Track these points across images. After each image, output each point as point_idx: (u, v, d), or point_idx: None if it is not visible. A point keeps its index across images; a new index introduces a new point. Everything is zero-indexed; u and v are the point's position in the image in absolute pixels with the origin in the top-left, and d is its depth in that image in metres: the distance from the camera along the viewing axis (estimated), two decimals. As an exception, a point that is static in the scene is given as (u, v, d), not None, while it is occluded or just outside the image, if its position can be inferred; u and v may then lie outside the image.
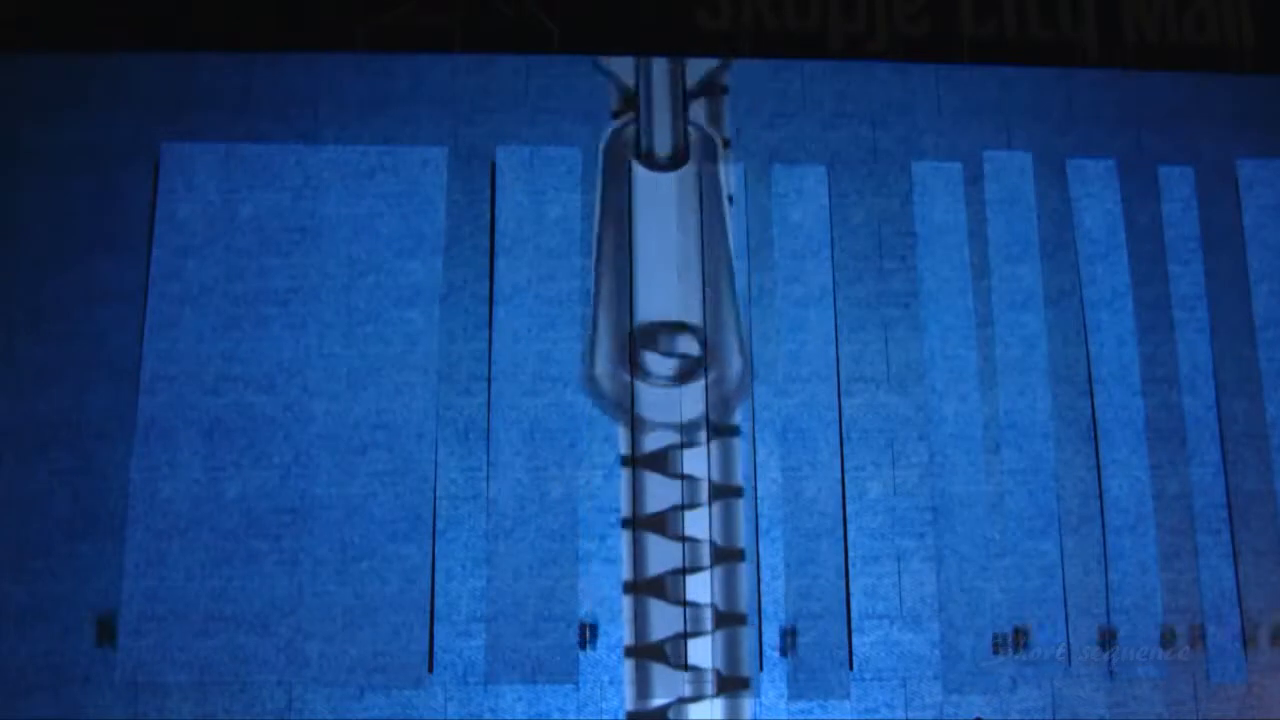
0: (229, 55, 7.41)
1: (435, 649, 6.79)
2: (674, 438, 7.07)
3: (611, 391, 7.11)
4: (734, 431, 7.11)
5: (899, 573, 7.02)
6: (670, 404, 7.12)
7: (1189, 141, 7.69)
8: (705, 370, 7.04)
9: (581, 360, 7.12)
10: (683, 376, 7.10)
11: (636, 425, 7.07)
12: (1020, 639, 6.96)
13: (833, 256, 7.39)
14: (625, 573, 6.92)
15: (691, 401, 7.11)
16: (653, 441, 7.06)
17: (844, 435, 7.18)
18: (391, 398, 7.08)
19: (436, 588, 6.86)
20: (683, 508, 7.00)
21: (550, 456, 7.05)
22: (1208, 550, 7.17)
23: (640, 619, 6.87)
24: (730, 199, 7.38)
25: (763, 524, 7.01)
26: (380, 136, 7.37)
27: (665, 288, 7.20)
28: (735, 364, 7.15)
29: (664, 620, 6.87)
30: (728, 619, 6.89)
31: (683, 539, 6.96)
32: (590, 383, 7.12)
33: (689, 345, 7.13)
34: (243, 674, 6.70)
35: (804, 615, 6.94)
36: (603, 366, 7.13)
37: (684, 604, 6.88)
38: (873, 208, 7.48)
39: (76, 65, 7.33)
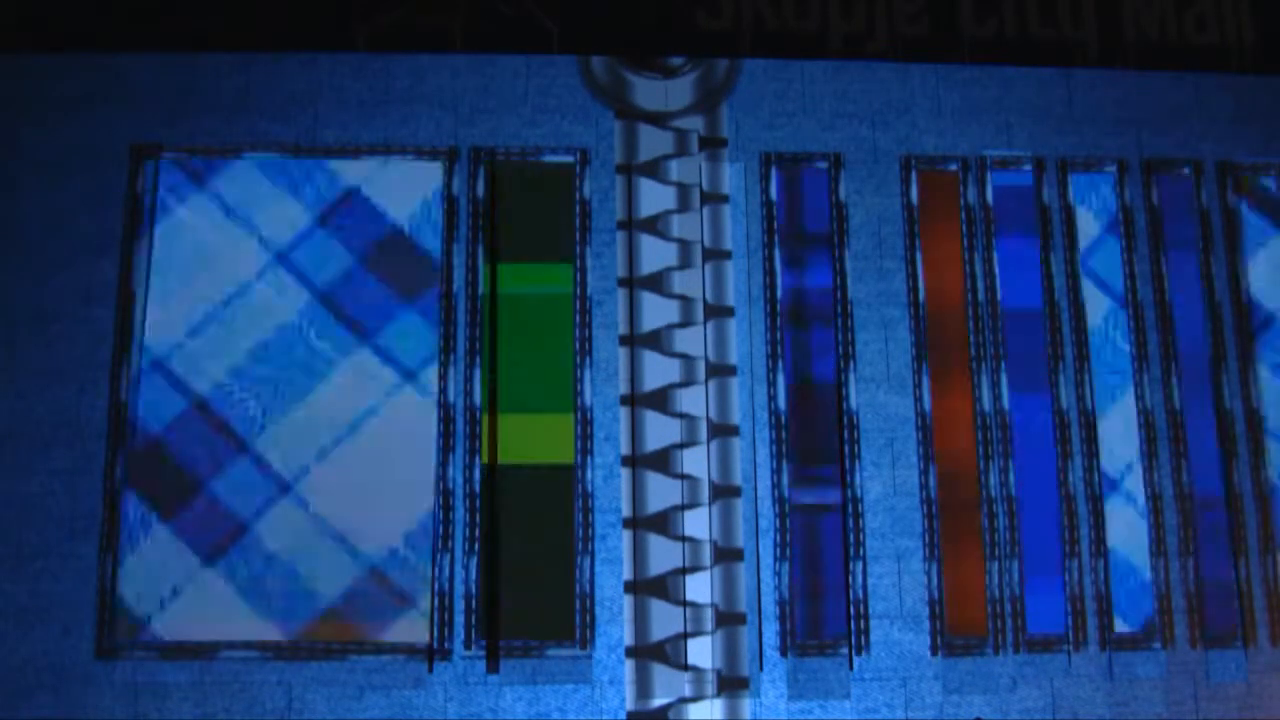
0: (228, 55, 7.41)
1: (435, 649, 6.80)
2: (674, 436, 7.08)
3: (605, 79, 7.27)
4: (734, 431, 7.12)
5: (899, 573, 7.02)
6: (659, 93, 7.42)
7: (1189, 141, 7.70)
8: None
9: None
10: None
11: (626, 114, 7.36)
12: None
13: (833, 256, 7.40)
14: (625, 573, 6.92)
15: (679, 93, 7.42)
16: (653, 438, 7.07)
17: (844, 435, 7.18)
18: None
19: (436, 588, 6.86)
20: (683, 507, 7.00)
21: (550, 456, 7.05)
22: (1208, 550, 7.17)
23: (640, 619, 6.87)
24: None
25: (761, 524, 7.02)
26: (380, 136, 7.38)
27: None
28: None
29: (664, 620, 6.88)
30: (727, 619, 6.89)
31: (683, 539, 6.96)
32: (585, 74, 7.31)
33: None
34: (243, 674, 6.70)
35: (804, 615, 6.96)
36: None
37: (684, 604, 6.89)
38: (872, 208, 7.48)
39: (76, 65, 7.33)
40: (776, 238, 7.39)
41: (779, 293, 7.31)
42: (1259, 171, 7.69)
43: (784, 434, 7.14)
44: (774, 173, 7.47)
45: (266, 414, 7.00)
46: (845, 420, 7.19)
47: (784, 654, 6.89)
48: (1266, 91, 7.79)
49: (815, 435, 7.17)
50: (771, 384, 7.21)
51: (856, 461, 7.14)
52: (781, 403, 7.17)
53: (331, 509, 6.90)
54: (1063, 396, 7.29)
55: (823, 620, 6.94)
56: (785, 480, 7.08)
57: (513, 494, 6.97)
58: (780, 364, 7.26)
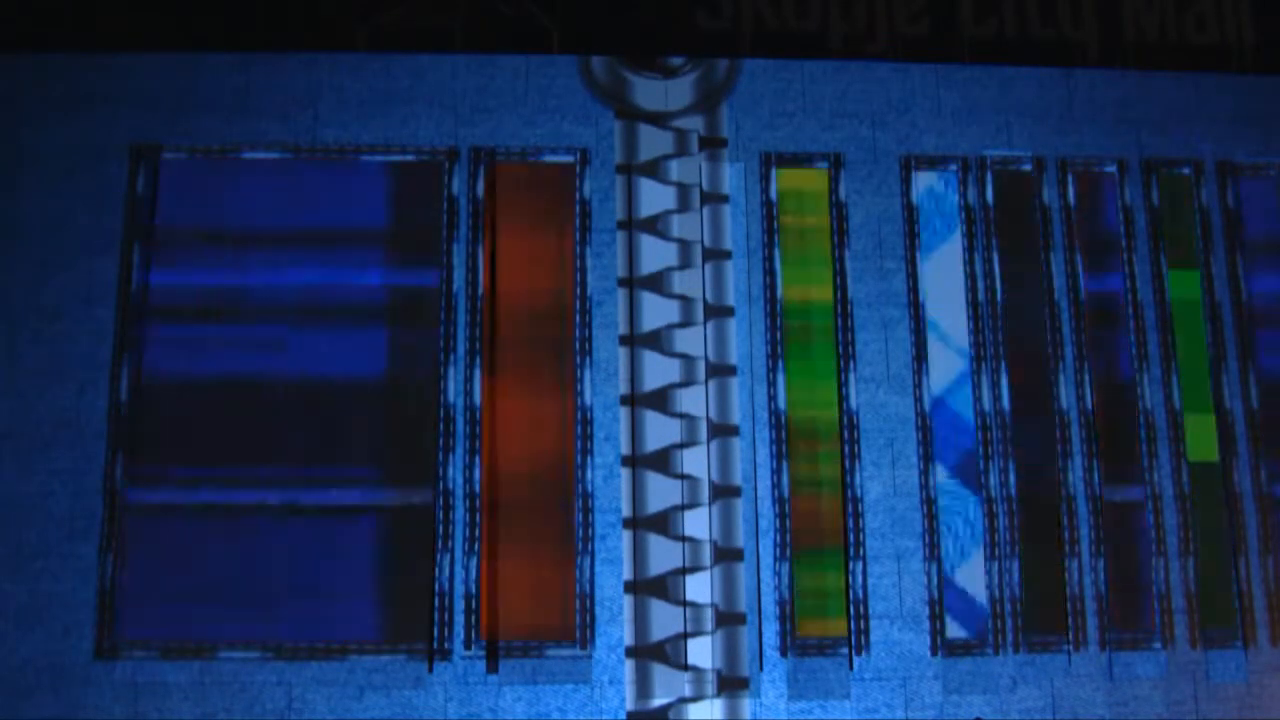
0: (228, 55, 7.41)
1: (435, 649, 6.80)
2: (674, 436, 7.08)
3: (605, 79, 7.31)
4: (733, 431, 7.12)
5: (899, 573, 7.02)
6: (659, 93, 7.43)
7: (1189, 141, 7.70)
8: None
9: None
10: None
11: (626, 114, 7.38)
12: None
13: (834, 256, 7.40)
14: (625, 573, 6.92)
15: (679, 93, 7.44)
16: (653, 438, 7.07)
17: (844, 435, 7.18)
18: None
19: (436, 588, 6.86)
20: (683, 507, 7.00)
21: (550, 456, 7.05)
22: (1207, 550, 7.17)
23: (640, 619, 6.87)
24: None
25: (761, 524, 7.02)
26: (380, 137, 7.37)
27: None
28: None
29: (664, 620, 6.88)
30: (727, 619, 6.89)
31: (683, 539, 6.96)
32: (585, 74, 7.34)
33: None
34: (243, 674, 6.71)
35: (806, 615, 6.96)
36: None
37: (684, 604, 6.89)
38: (872, 208, 7.48)
39: (75, 65, 7.33)
40: (777, 238, 7.40)
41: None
42: (1259, 171, 7.70)
43: (784, 434, 7.15)
44: (772, 172, 7.48)
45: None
46: (845, 420, 7.19)
47: (784, 654, 6.89)
48: (1266, 91, 7.79)
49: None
50: (772, 384, 7.21)
51: (857, 461, 7.14)
52: (781, 403, 7.18)
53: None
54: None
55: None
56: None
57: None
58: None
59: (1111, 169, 7.58)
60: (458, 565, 6.88)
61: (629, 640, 6.85)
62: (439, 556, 6.88)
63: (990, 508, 7.14)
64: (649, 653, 6.84)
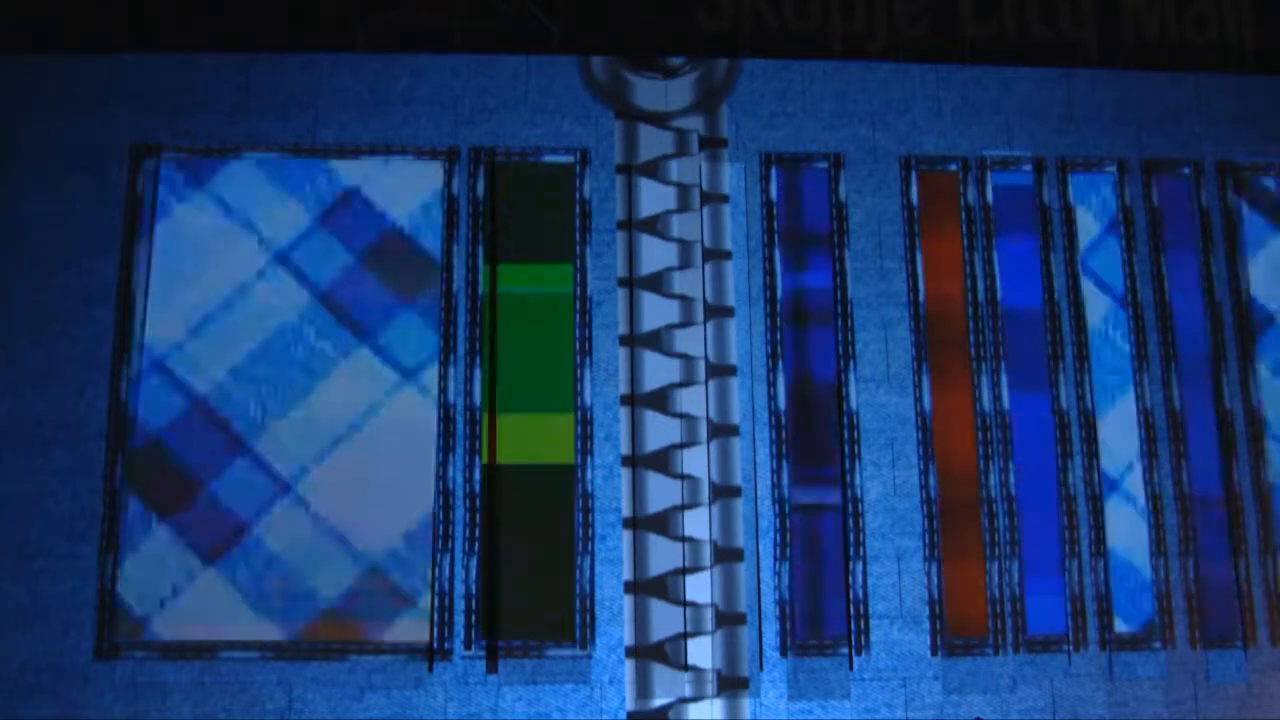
0: (228, 55, 7.41)
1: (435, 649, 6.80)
2: (674, 436, 7.08)
3: (605, 79, 7.32)
4: (733, 431, 7.12)
5: (899, 573, 7.02)
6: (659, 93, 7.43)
7: (1189, 141, 7.70)
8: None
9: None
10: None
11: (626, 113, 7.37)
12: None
13: (834, 256, 7.40)
14: (625, 573, 6.92)
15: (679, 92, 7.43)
16: (653, 438, 7.07)
17: (844, 435, 7.18)
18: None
19: (436, 588, 6.87)
20: (683, 507, 7.00)
21: (550, 456, 7.05)
22: (1208, 550, 7.18)
23: (640, 619, 6.87)
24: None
25: (761, 524, 7.02)
26: (380, 137, 7.38)
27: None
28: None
29: (664, 620, 6.88)
30: (728, 619, 6.89)
31: (683, 539, 6.96)
32: (585, 74, 7.35)
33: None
34: (243, 674, 6.71)
35: (806, 615, 6.96)
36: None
37: (684, 604, 6.89)
38: (872, 208, 7.48)
39: (75, 65, 7.33)
40: (776, 237, 7.40)
41: (779, 293, 7.32)
42: (1259, 171, 7.70)
43: (783, 434, 7.15)
44: (774, 172, 7.48)
45: (267, 414, 7.00)
46: (845, 420, 7.19)
47: (784, 654, 6.89)
48: (1266, 91, 7.80)
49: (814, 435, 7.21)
50: (771, 384, 7.21)
51: (857, 461, 7.14)
52: (781, 403, 7.18)
53: (331, 508, 6.91)
54: (1062, 396, 7.30)
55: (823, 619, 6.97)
56: (785, 480, 7.09)
57: (513, 494, 6.97)
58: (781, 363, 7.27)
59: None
60: (458, 565, 6.89)
61: (629, 640, 6.86)
62: (439, 556, 6.89)
63: (990, 508, 7.15)
64: (649, 653, 6.84)
